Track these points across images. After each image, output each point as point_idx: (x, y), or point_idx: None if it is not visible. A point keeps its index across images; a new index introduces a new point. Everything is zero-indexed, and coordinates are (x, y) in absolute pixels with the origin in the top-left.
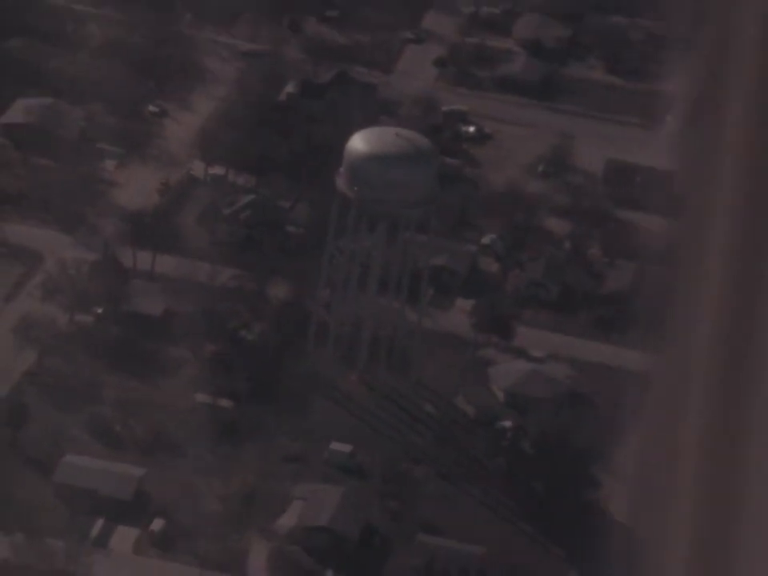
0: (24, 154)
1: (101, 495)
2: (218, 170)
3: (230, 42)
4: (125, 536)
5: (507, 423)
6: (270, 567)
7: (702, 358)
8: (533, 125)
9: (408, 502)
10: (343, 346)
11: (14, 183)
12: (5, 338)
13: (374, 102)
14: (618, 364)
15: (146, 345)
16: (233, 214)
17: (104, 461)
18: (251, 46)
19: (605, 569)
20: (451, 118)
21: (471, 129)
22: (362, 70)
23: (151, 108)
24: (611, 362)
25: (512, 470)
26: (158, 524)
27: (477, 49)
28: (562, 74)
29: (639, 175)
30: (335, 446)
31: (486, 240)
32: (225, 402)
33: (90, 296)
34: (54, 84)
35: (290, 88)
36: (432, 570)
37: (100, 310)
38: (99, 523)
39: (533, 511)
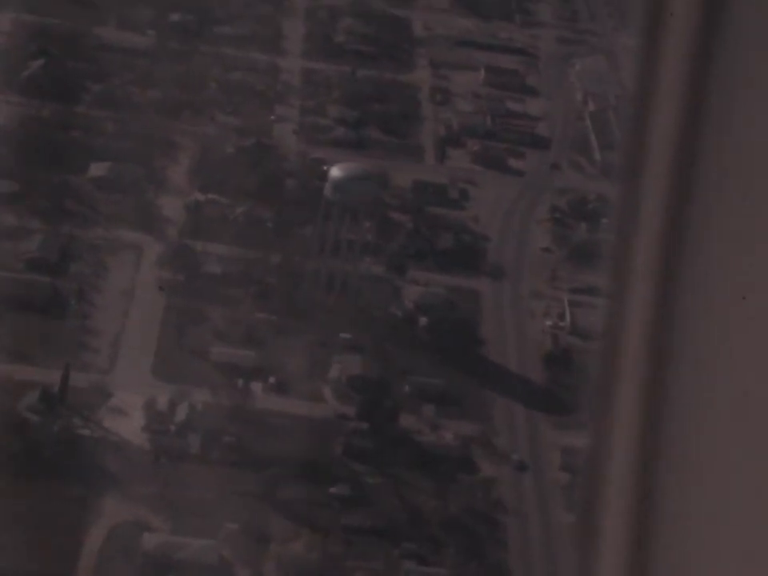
0: (103, 192)
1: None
2: (209, 196)
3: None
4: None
5: (424, 319)
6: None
7: None
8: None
9: (391, 356)
10: (325, 283)
11: (102, 209)
12: (152, 285)
13: None
14: (458, 286)
15: (214, 288)
16: (234, 220)
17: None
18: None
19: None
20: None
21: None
22: None
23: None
24: (454, 284)
25: (435, 340)
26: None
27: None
28: (364, 138)
29: (429, 186)
30: (342, 334)
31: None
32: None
33: (176, 265)
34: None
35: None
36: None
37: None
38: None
39: (455, 358)
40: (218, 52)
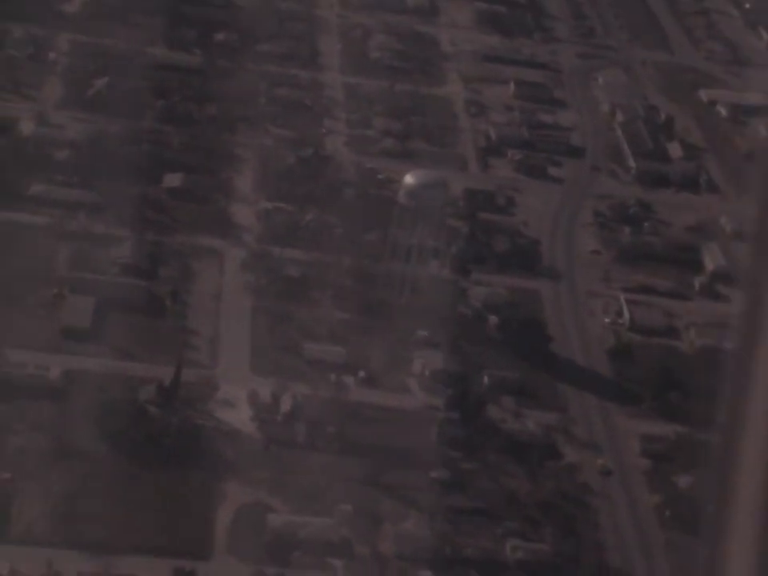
0: (178, 201)
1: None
2: (277, 204)
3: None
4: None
5: (494, 318)
6: None
7: None
8: None
9: (467, 352)
10: (397, 285)
11: (180, 217)
12: (237, 288)
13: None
14: (519, 287)
15: (296, 290)
16: (304, 226)
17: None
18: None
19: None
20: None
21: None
22: None
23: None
24: (515, 285)
25: (505, 338)
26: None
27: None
28: (410, 149)
29: (479, 194)
30: (420, 331)
31: None
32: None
33: (258, 269)
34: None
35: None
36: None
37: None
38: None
39: (526, 352)
40: (262, 69)
